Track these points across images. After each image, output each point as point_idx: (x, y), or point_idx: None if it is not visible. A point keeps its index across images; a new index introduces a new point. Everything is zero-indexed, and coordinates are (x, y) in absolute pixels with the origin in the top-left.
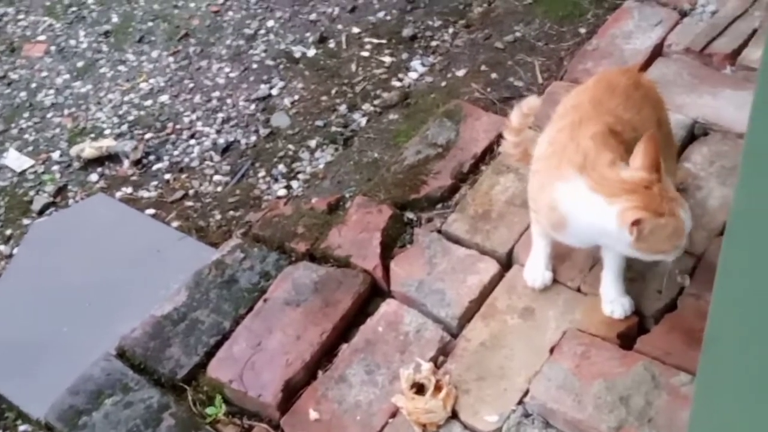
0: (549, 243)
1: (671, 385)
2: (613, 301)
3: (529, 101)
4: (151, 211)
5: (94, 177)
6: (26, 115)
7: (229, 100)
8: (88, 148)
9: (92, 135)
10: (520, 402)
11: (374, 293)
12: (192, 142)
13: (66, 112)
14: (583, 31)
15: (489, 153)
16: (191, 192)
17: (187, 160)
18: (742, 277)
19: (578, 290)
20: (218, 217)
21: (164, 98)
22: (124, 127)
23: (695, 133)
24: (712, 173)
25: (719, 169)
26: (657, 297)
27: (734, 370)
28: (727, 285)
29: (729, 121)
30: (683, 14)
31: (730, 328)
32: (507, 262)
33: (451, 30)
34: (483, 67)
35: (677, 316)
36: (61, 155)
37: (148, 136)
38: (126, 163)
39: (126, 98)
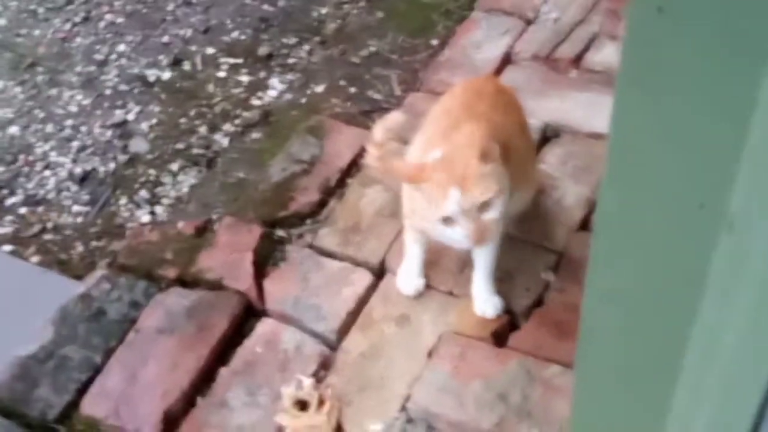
0: (422, 249)
1: (544, 378)
2: (485, 301)
3: (392, 116)
4: (8, 247)
5: None
6: None
7: (83, 128)
8: None
9: None
10: (403, 409)
11: (250, 314)
12: (47, 173)
13: None
14: (435, 42)
15: (354, 166)
16: (50, 225)
17: (43, 192)
18: (611, 269)
19: (451, 294)
20: (81, 248)
21: (14, 130)
22: None
23: (547, 136)
24: (566, 173)
25: (572, 168)
26: (525, 294)
27: (610, 359)
28: (598, 278)
29: (577, 122)
30: (528, 22)
31: (603, 319)
32: (380, 272)
33: (306, 47)
34: (341, 82)
35: (545, 310)
36: None
37: None
38: None
39: None
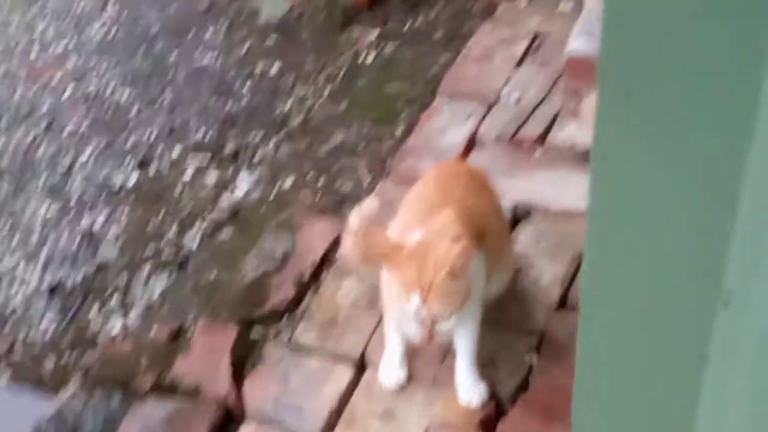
0: (403, 339)
1: None
2: (470, 390)
3: (368, 203)
4: None
5: None
6: None
7: (51, 238)
8: None
9: None
10: None
11: (230, 419)
12: (15, 287)
13: None
14: (400, 130)
15: (328, 258)
16: (20, 340)
17: (11, 306)
18: (600, 355)
19: (435, 383)
20: (53, 362)
21: None
22: None
23: (518, 216)
24: (540, 252)
25: (546, 246)
26: (510, 379)
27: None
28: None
29: (547, 200)
30: (490, 105)
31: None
32: (361, 365)
33: (273, 142)
34: (310, 175)
35: (531, 395)
36: None
37: None
38: None
39: None
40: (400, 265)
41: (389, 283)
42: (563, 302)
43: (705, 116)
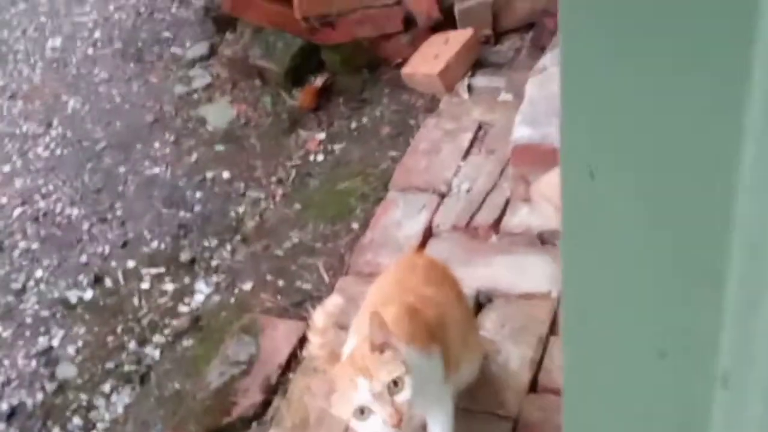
0: None
1: None
2: None
3: (332, 300)
4: None
5: None
6: None
7: (6, 361)
8: None
9: None
10: None
11: None
12: None
13: None
14: (355, 226)
15: (294, 360)
16: None
17: None
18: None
19: None
20: None
21: None
22: None
23: (481, 302)
24: (506, 336)
25: (510, 330)
26: None
27: None
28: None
29: (507, 285)
30: (442, 196)
31: None
32: None
33: (228, 247)
34: (268, 277)
35: None
36: None
37: None
38: None
39: None
40: (339, 374)
41: (341, 401)
42: (534, 386)
43: (678, 197)
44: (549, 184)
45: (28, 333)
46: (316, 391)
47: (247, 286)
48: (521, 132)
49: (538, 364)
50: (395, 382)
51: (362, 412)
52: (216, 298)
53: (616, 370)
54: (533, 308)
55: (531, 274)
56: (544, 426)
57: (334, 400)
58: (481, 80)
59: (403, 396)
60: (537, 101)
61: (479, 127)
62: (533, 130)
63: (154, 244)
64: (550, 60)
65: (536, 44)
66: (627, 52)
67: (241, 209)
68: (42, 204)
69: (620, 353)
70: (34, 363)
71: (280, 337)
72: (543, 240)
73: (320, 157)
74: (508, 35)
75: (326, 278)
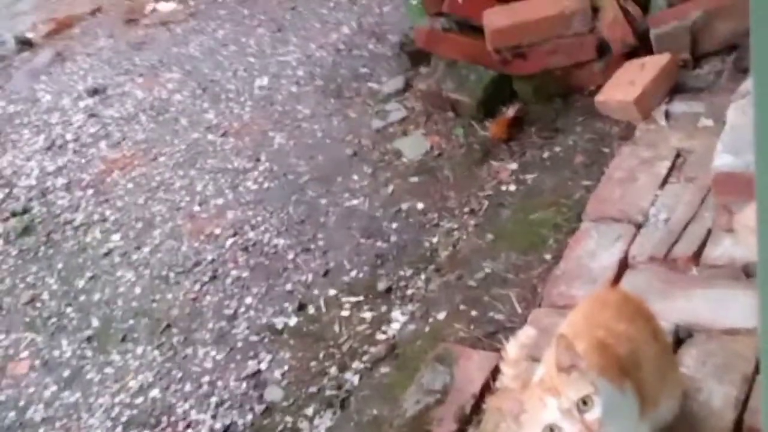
0: None
1: None
2: None
3: (525, 331)
4: None
5: None
6: None
7: (219, 383)
8: None
9: None
10: None
11: None
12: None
13: (57, 424)
14: (548, 257)
15: (487, 390)
16: None
17: None
18: None
19: None
20: None
21: (155, 392)
22: (119, 430)
23: (680, 337)
24: (707, 373)
25: (712, 368)
26: None
27: None
28: None
29: (708, 319)
30: (639, 226)
31: None
32: None
33: (423, 276)
34: (462, 307)
35: None
36: None
37: None
38: None
39: (116, 399)
40: (528, 397)
41: (530, 422)
42: (738, 427)
43: None
44: (754, 214)
45: (239, 356)
46: (506, 412)
47: (441, 315)
48: (723, 159)
49: (743, 404)
50: (584, 402)
51: (551, 431)
52: (411, 326)
53: None
54: (737, 345)
55: (735, 308)
56: None
57: (523, 421)
58: (679, 106)
59: (593, 414)
60: (740, 127)
61: (678, 155)
62: (736, 158)
63: (353, 273)
64: None
65: (738, 67)
66: None
67: (435, 239)
68: (251, 234)
69: None
70: (244, 385)
71: (473, 366)
72: (748, 273)
73: (512, 187)
74: (707, 58)
75: (519, 309)
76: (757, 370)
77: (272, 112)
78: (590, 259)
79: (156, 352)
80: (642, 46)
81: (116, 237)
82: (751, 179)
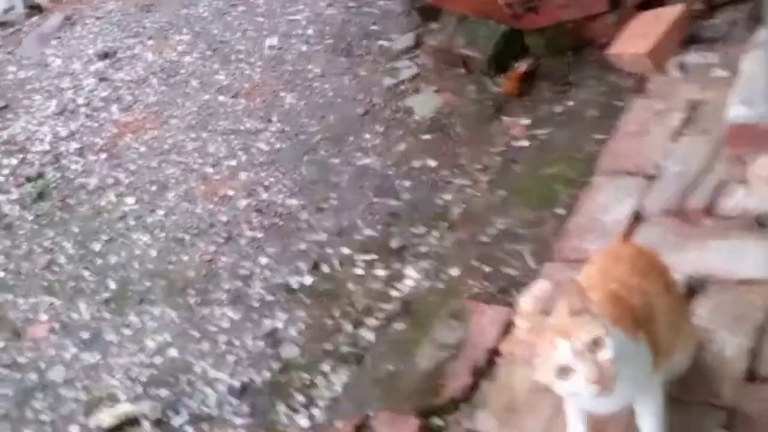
0: (585, 423)
1: None
2: None
3: (539, 284)
4: None
5: None
6: (39, 395)
7: (236, 342)
8: (107, 417)
9: (108, 403)
10: None
11: None
12: (208, 390)
13: (78, 385)
14: (561, 212)
15: (501, 344)
16: None
17: (206, 409)
18: None
19: None
20: None
21: (173, 352)
22: (139, 389)
23: (693, 288)
24: (720, 324)
25: (726, 318)
26: None
27: None
28: None
29: (722, 271)
30: (651, 179)
31: None
32: None
33: (436, 234)
34: (474, 263)
35: None
36: (80, 430)
37: (164, 393)
38: (146, 424)
39: (135, 360)
40: (539, 341)
41: (543, 365)
42: (752, 376)
43: None
44: None
45: (255, 316)
46: (519, 356)
47: (455, 272)
48: (737, 111)
49: (756, 354)
50: (596, 343)
51: (564, 372)
52: (425, 283)
53: None
54: (751, 295)
55: (748, 259)
56: (765, 417)
57: (536, 365)
58: (693, 57)
59: (605, 355)
60: (754, 78)
61: (691, 107)
62: (750, 109)
63: (367, 231)
64: None
65: (754, 16)
66: None
67: (447, 197)
68: (264, 195)
69: None
70: (261, 344)
71: (487, 321)
72: (761, 223)
73: (525, 143)
74: (722, 8)
75: (532, 264)
76: None
77: (282, 72)
78: (603, 213)
79: (173, 313)
80: None
81: (131, 200)
82: (765, 131)
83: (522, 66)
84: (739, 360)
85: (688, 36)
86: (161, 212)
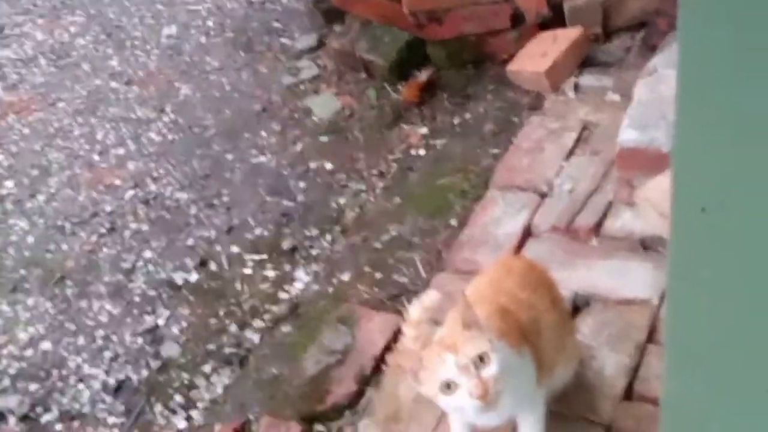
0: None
1: None
2: None
3: (429, 294)
4: None
5: None
6: None
7: (114, 338)
8: None
9: None
10: None
11: None
12: (81, 386)
13: None
14: (454, 222)
15: (388, 352)
16: None
17: (77, 406)
18: None
19: None
20: None
21: (46, 345)
22: (6, 382)
23: (578, 305)
24: (602, 341)
25: (607, 336)
26: None
27: None
28: None
29: (606, 289)
30: (543, 195)
31: None
32: None
33: (328, 237)
34: (366, 269)
35: None
36: None
37: (32, 387)
38: (12, 420)
39: (5, 351)
40: (426, 354)
41: (429, 378)
42: (629, 394)
43: None
44: (655, 189)
45: (135, 311)
46: (406, 369)
47: (345, 276)
48: (628, 134)
49: (634, 372)
50: (481, 359)
51: (448, 386)
52: (315, 287)
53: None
54: (632, 314)
55: (631, 279)
56: None
57: (422, 378)
58: (588, 79)
59: (489, 371)
60: (646, 103)
61: (584, 127)
62: (641, 134)
63: (258, 230)
64: (660, 61)
65: (647, 44)
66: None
67: (342, 200)
68: (153, 187)
69: (730, 391)
70: (140, 341)
71: (375, 328)
72: (645, 246)
73: (422, 152)
74: (618, 34)
75: (423, 273)
76: (649, 339)
77: (179, 62)
78: (495, 227)
79: (48, 304)
80: (555, 19)
81: (9, 183)
82: (654, 155)
83: (423, 75)
84: (618, 377)
85: (584, 58)
86: (42, 198)
